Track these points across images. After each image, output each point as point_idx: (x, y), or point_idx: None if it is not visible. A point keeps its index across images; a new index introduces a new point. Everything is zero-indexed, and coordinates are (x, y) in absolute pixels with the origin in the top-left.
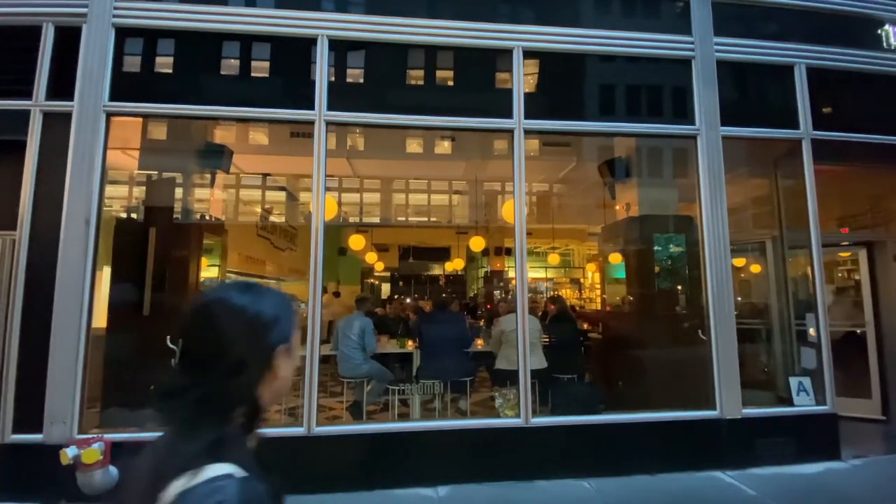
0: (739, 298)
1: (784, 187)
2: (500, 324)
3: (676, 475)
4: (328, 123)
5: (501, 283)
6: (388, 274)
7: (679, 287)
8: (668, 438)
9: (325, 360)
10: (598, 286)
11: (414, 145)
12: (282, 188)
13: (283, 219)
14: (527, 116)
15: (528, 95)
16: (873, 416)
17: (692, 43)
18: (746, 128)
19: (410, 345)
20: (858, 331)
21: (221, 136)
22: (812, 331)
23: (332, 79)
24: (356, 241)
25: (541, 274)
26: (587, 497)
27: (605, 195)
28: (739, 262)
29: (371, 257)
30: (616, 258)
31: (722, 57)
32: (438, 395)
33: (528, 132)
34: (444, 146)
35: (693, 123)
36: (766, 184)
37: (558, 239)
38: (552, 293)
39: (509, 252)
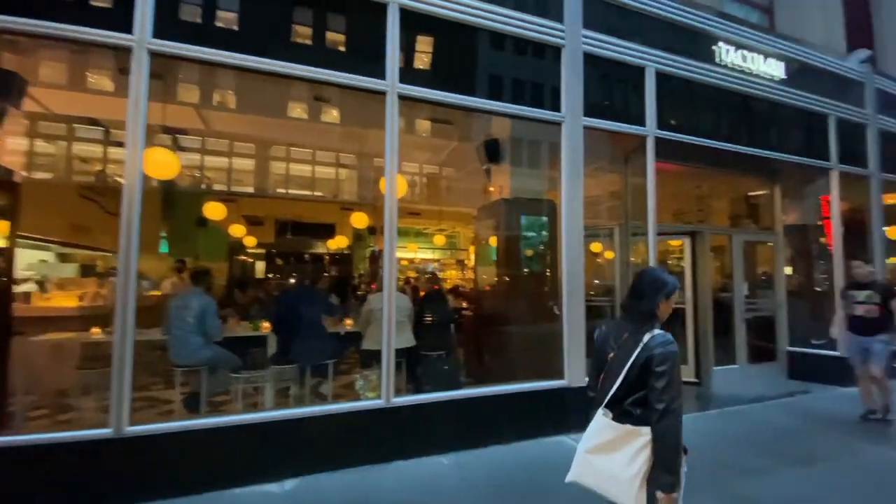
0: (598, 280)
1: (631, 180)
2: (368, 302)
3: (528, 442)
4: (152, 54)
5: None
6: (262, 251)
7: (542, 267)
8: (522, 408)
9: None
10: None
11: (278, 100)
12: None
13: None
14: (402, 80)
15: (404, 59)
16: (690, 380)
17: (563, 31)
18: (605, 120)
19: (266, 327)
20: (682, 307)
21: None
22: None
23: None
24: (214, 210)
25: (428, 255)
26: (443, 473)
27: (499, 181)
28: (597, 246)
29: (237, 230)
30: (488, 238)
31: (588, 50)
32: (297, 381)
33: (402, 97)
34: (313, 105)
35: (559, 111)
36: (618, 177)
37: (445, 220)
38: (433, 274)
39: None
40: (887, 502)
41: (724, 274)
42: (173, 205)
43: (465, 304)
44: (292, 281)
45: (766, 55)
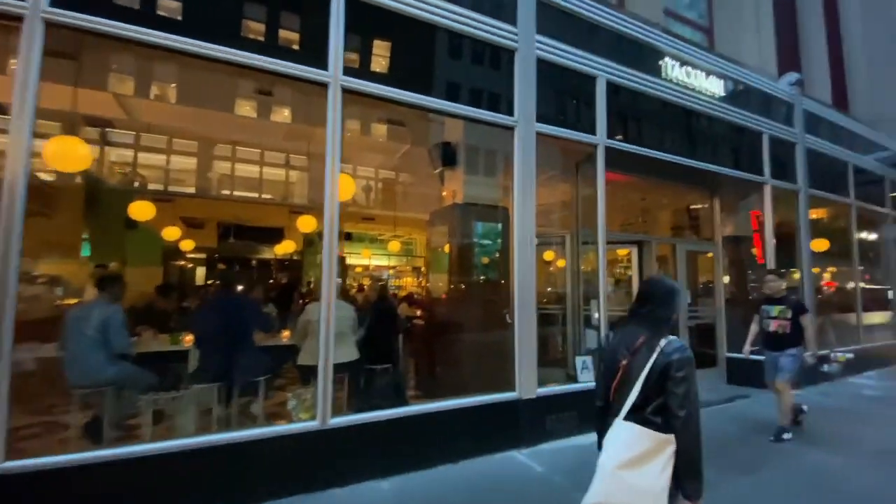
0: (550, 288)
1: (582, 189)
2: (305, 312)
3: (478, 460)
4: (48, 24)
5: (339, 269)
6: (203, 256)
7: (494, 274)
8: (472, 423)
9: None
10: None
11: (218, 92)
12: None
13: None
14: (346, 73)
15: (350, 51)
16: None
17: (517, 34)
18: (557, 127)
19: (188, 340)
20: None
21: None
22: (595, 315)
23: None
24: (141, 210)
25: (384, 261)
26: (382, 499)
27: (452, 186)
28: (549, 254)
29: (172, 233)
30: (441, 245)
31: (541, 55)
32: (222, 402)
33: (346, 91)
34: (257, 100)
35: (512, 115)
36: (570, 186)
37: (401, 226)
38: (381, 281)
39: (350, 237)
40: (822, 498)
41: None
42: (98, 204)
43: (417, 313)
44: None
45: (708, 73)
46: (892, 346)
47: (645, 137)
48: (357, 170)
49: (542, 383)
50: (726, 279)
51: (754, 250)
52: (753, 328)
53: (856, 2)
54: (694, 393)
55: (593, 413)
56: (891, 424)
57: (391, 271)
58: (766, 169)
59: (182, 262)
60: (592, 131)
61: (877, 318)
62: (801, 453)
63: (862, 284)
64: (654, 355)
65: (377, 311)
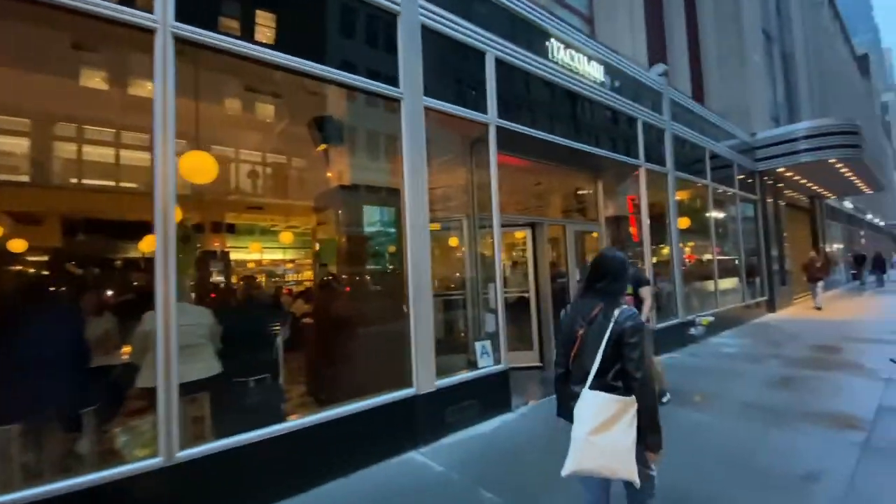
0: (450, 274)
1: (477, 171)
2: (142, 322)
3: (373, 469)
4: None
5: (217, 267)
6: (43, 257)
7: (387, 262)
8: (365, 430)
9: None
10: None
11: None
12: None
13: None
14: (181, 18)
15: None
16: (535, 364)
17: None
18: (447, 103)
19: None
20: (526, 295)
21: None
22: (493, 298)
23: None
24: None
25: (278, 255)
26: None
27: (337, 167)
28: (451, 240)
29: None
30: (328, 230)
31: (427, 23)
32: (33, 444)
33: (181, 41)
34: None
35: (397, 86)
36: (465, 167)
37: (295, 215)
38: (250, 277)
39: (233, 229)
40: (696, 454)
41: (559, 262)
42: None
43: (306, 308)
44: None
45: (590, 58)
46: (741, 308)
47: (535, 119)
48: (241, 153)
49: (442, 374)
50: None
51: (632, 230)
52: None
53: (709, 5)
54: (645, 357)
55: (490, 400)
56: (749, 379)
57: (289, 265)
58: (641, 153)
59: (16, 266)
60: (484, 109)
61: (727, 283)
62: (675, 413)
63: (717, 256)
64: (611, 325)
65: (242, 314)
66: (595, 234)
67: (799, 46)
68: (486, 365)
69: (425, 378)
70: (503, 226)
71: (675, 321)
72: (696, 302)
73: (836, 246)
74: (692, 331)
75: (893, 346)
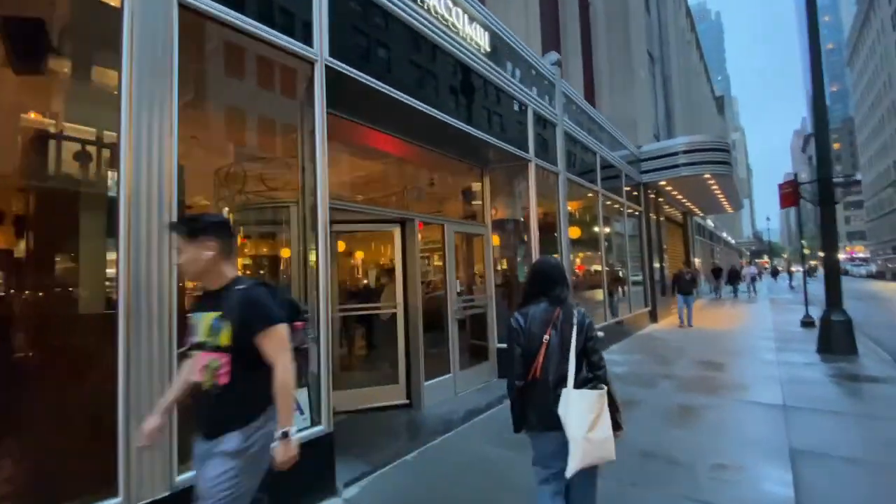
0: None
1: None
2: None
3: None
4: None
5: None
6: None
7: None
8: None
9: None
10: None
11: None
12: None
13: None
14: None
15: None
16: (400, 402)
17: None
18: (245, 17)
19: None
20: (393, 311)
21: None
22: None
23: None
24: None
25: None
26: None
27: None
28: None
29: None
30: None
31: None
32: None
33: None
34: None
35: None
36: (292, 130)
37: None
38: None
39: None
40: None
41: (435, 270)
42: None
43: None
44: None
45: (473, 19)
46: (627, 319)
47: (393, 74)
48: None
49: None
50: (501, 264)
51: (525, 236)
52: None
53: (602, 17)
54: None
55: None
56: (645, 411)
57: None
58: (531, 145)
59: None
60: (309, 41)
61: (617, 295)
62: None
63: (606, 267)
64: (576, 325)
65: None
66: (481, 236)
67: (675, 73)
68: (298, 426)
69: (149, 474)
70: (359, 222)
71: None
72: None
73: (697, 259)
74: None
75: (764, 358)
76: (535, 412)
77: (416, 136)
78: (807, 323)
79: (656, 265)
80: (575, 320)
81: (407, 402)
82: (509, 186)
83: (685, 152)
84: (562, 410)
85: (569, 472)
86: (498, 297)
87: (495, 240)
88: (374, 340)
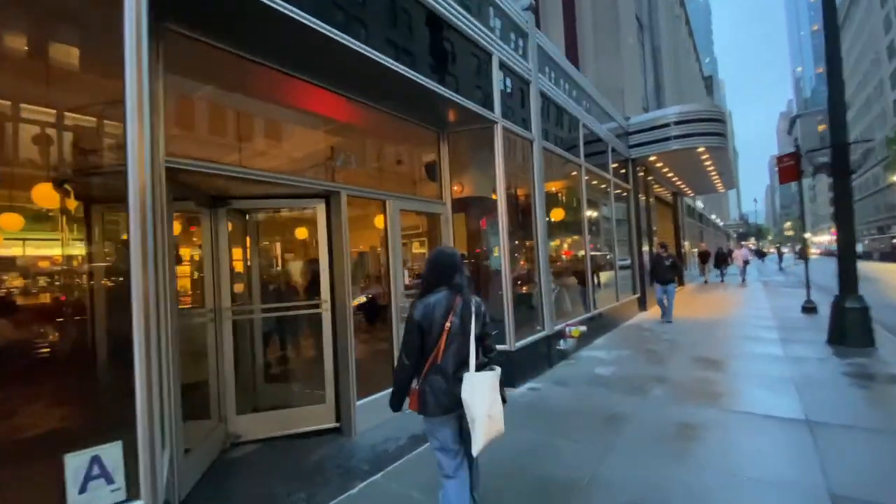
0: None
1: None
2: None
3: None
4: None
5: None
6: None
7: None
8: None
9: None
10: None
11: None
12: None
13: None
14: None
15: None
16: (327, 426)
17: None
18: None
19: None
20: (315, 312)
21: None
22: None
23: None
24: None
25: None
26: None
27: None
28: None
29: None
30: None
31: None
32: None
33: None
34: None
35: None
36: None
37: None
38: None
39: None
40: None
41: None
42: None
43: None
44: None
45: None
46: (614, 308)
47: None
48: None
49: None
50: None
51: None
52: None
53: None
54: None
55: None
56: (635, 431)
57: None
58: (497, 104)
59: None
60: None
61: (602, 281)
62: None
63: (591, 252)
64: (474, 312)
65: None
66: (439, 214)
67: (665, 45)
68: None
69: None
70: (267, 197)
71: (539, 335)
72: (568, 306)
73: (687, 242)
74: (561, 344)
75: (770, 353)
76: (434, 396)
77: (349, 86)
78: (808, 308)
79: (645, 249)
80: (473, 308)
81: (336, 425)
82: (476, 157)
83: (677, 123)
84: (466, 393)
85: (477, 450)
86: None
87: (459, 222)
88: (299, 349)
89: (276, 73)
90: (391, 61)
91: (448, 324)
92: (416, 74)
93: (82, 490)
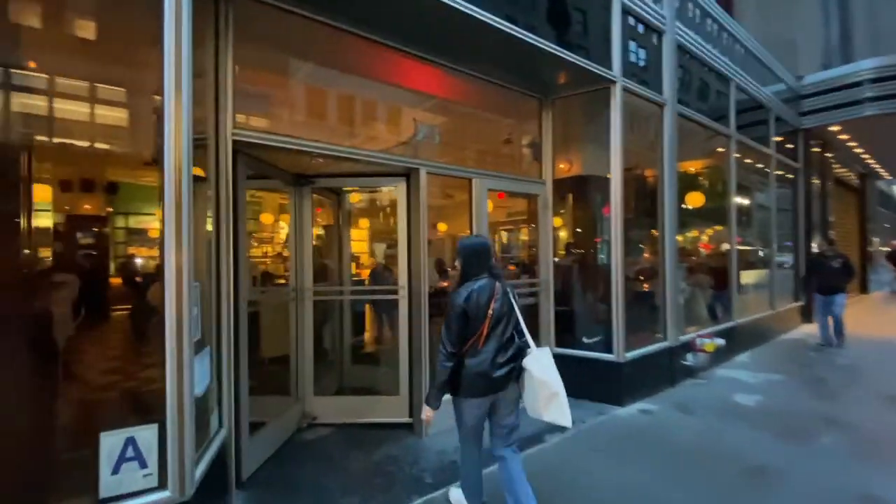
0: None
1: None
2: None
3: None
4: None
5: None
6: None
7: None
8: None
9: None
10: None
11: None
12: None
13: None
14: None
15: None
16: (399, 420)
17: None
18: None
19: None
20: (395, 298)
21: None
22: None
23: None
24: None
25: None
26: None
27: None
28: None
29: None
30: None
31: None
32: None
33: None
34: None
35: None
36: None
37: None
38: None
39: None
40: None
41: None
42: None
43: None
44: None
45: None
46: (767, 317)
47: None
48: None
49: None
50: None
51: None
52: None
53: None
54: None
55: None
56: None
57: None
58: (617, 59)
59: None
60: None
61: (748, 277)
62: None
63: (737, 246)
64: (511, 296)
65: None
66: (536, 196)
67: None
68: None
69: None
70: (347, 175)
71: (659, 345)
72: (703, 312)
73: (876, 239)
74: (689, 359)
75: None
76: (470, 379)
77: (436, 49)
78: None
79: (814, 246)
80: (511, 294)
81: (408, 420)
82: (589, 128)
83: (874, 81)
84: (539, 373)
85: (569, 421)
86: (557, 283)
87: (564, 204)
88: (381, 335)
89: (355, 38)
90: (486, 14)
91: (490, 310)
92: (516, 28)
93: (115, 471)
